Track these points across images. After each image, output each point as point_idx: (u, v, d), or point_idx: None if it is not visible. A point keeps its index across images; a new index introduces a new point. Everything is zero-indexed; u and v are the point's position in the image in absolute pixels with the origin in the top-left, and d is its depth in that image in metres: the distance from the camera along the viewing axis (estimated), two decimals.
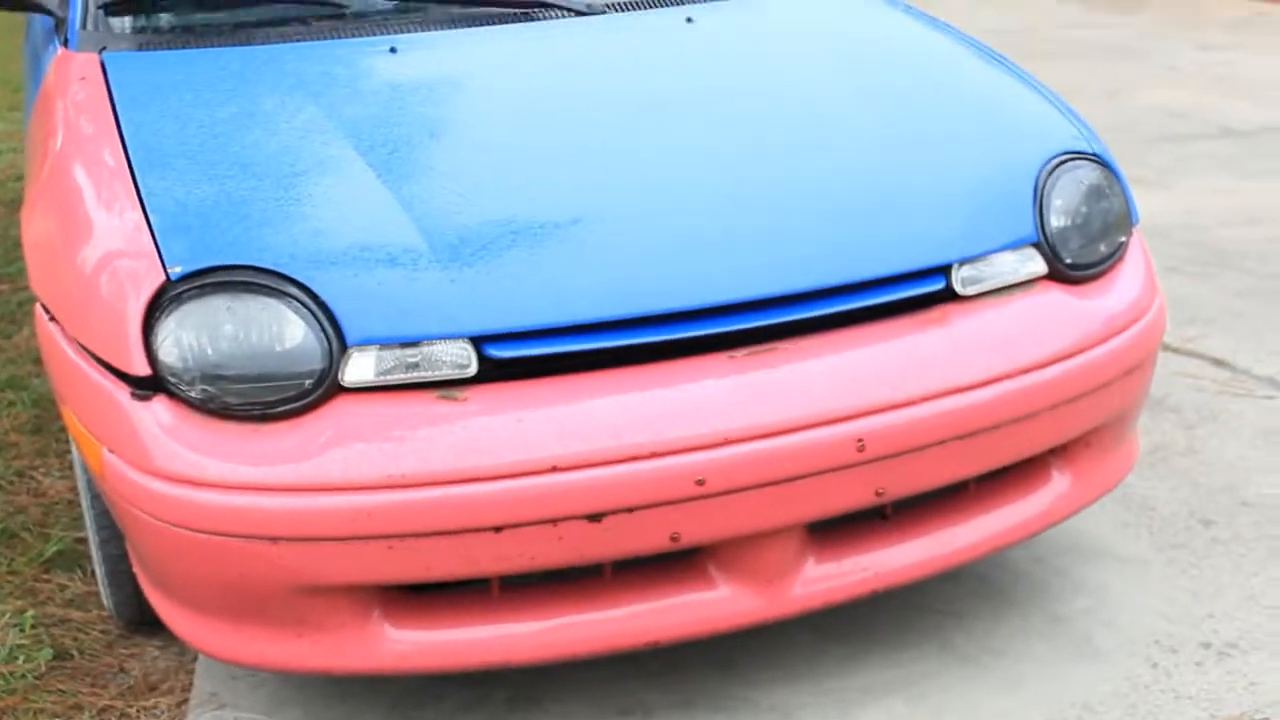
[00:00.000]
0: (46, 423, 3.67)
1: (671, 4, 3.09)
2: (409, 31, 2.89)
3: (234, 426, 2.15)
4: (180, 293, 2.17)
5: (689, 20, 3.02)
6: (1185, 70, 7.91)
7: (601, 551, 2.17)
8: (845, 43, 3.07)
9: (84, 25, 2.90)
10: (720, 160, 2.53)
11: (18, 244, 5.06)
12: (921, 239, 2.44)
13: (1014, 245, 2.53)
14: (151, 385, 2.17)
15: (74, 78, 2.77)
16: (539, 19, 2.96)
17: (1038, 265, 2.54)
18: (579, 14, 2.98)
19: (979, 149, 2.64)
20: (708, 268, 2.30)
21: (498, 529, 2.10)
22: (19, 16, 4.93)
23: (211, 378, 2.14)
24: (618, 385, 2.20)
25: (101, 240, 2.33)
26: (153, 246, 2.23)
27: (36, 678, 2.66)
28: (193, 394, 2.15)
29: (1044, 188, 2.59)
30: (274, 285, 2.18)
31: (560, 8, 2.98)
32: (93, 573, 2.95)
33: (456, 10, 2.97)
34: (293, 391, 2.15)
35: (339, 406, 2.15)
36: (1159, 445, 3.43)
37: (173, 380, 2.15)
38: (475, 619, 2.24)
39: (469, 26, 2.93)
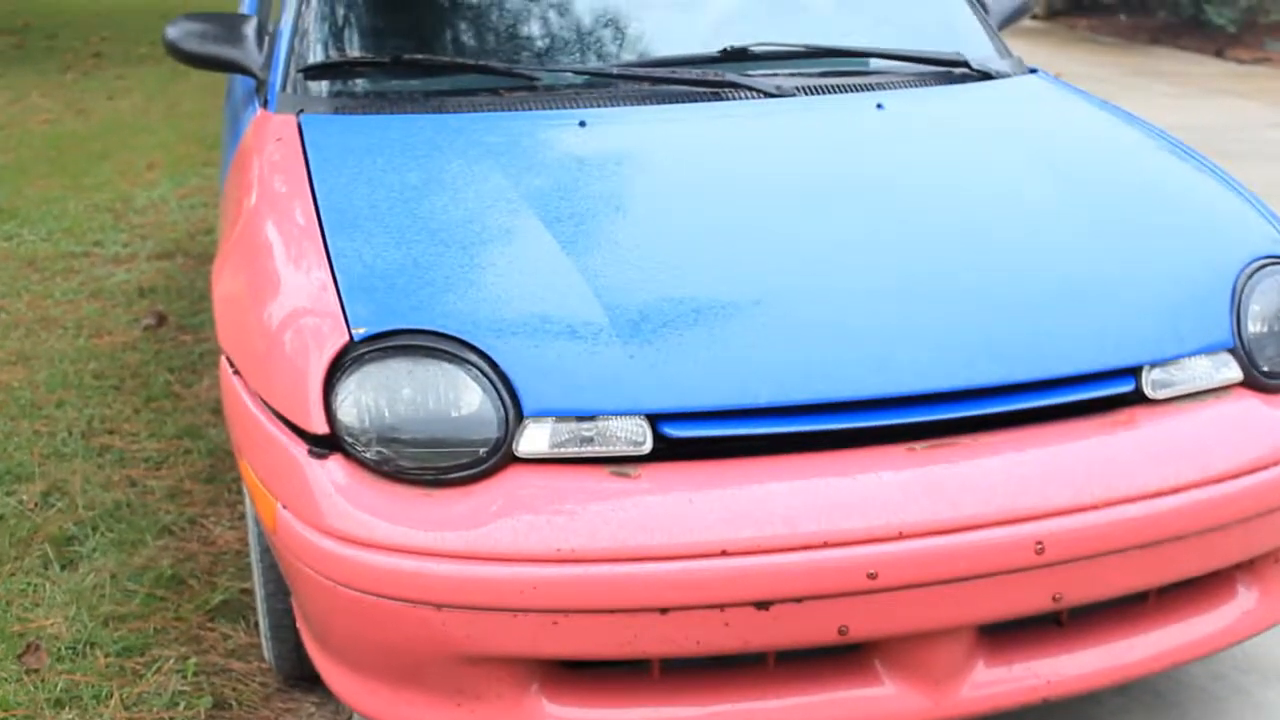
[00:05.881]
0: (220, 473, 3.74)
1: (863, 89, 3.06)
2: (598, 106, 2.91)
3: (406, 490, 2.15)
4: (362, 354, 2.19)
5: (879, 106, 2.99)
6: None
7: (768, 640, 2.12)
8: (1039, 135, 3.02)
9: (284, 88, 2.98)
10: (907, 249, 2.49)
11: (203, 296, 5.20)
12: (1112, 338, 2.37)
13: (1209, 350, 2.44)
14: (329, 444, 2.19)
15: (271, 137, 2.84)
16: (728, 98, 2.95)
17: (1233, 372, 2.45)
18: (768, 95, 2.96)
19: (1175, 249, 2.57)
20: (890, 357, 2.26)
21: (664, 610, 2.07)
22: (220, 79, 5.13)
23: (388, 440, 2.16)
24: (793, 471, 2.16)
25: (288, 297, 2.37)
26: (338, 306, 2.26)
27: None
28: (368, 455, 2.16)
29: (1242, 291, 2.50)
30: (454, 351, 2.19)
31: (750, 89, 2.97)
32: (256, 624, 2.98)
33: (646, 87, 2.98)
34: (467, 459, 2.15)
35: (511, 476, 2.15)
36: None
37: (350, 440, 2.17)
38: (634, 700, 2.21)
39: (657, 104, 2.94)
